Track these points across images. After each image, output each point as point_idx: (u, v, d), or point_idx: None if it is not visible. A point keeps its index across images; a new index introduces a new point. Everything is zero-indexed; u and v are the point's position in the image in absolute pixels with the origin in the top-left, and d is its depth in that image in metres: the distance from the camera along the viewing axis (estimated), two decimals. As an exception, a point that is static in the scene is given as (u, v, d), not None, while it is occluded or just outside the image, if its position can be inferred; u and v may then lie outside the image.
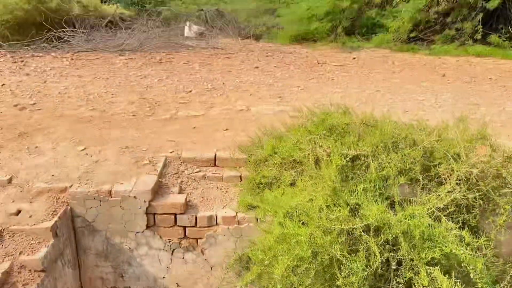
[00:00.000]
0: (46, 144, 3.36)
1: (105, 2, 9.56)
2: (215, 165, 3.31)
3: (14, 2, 7.48)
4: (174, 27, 9.06)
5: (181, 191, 3.04)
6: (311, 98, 4.66)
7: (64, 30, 7.53)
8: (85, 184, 2.87)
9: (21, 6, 7.51)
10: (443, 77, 5.54)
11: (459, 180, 2.43)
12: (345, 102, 4.43)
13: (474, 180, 2.45)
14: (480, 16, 7.35)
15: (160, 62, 5.96)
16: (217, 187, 3.17)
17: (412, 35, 7.61)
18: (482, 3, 7.31)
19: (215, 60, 6.31)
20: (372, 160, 2.53)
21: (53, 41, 7.29)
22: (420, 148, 2.58)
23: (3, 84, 4.68)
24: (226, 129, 3.80)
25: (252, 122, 3.97)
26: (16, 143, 3.36)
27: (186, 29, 8.85)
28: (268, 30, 8.99)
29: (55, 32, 7.38)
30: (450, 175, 2.49)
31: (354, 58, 6.64)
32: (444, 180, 2.49)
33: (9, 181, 2.91)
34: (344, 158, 2.47)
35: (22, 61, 5.69)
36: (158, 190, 2.98)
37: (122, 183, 2.89)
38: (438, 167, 2.55)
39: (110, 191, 2.82)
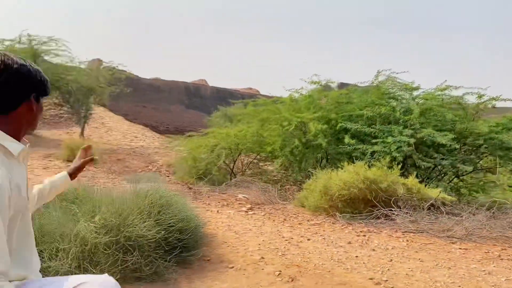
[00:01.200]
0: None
1: (426, 185, 10.13)
2: None
3: (352, 181, 8.89)
4: (501, 217, 8.58)
5: None
6: None
7: (391, 209, 8.27)
8: None
9: (357, 185, 8.84)
10: None
11: None
12: None
13: None
14: None
15: (501, 259, 5.62)
16: None
17: None
18: None
19: None
20: None
21: (379, 218, 8.09)
22: None
23: (356, 256, 5.38)
24: None
25: None
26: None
27: (516, 221, 8.22)
28: None
29: (383, 210, 8.22)
30: None
31: None
32: None
33: None
34: None
35: (365, 236, 6.47)
36: None
37: None
38: None
39: None
